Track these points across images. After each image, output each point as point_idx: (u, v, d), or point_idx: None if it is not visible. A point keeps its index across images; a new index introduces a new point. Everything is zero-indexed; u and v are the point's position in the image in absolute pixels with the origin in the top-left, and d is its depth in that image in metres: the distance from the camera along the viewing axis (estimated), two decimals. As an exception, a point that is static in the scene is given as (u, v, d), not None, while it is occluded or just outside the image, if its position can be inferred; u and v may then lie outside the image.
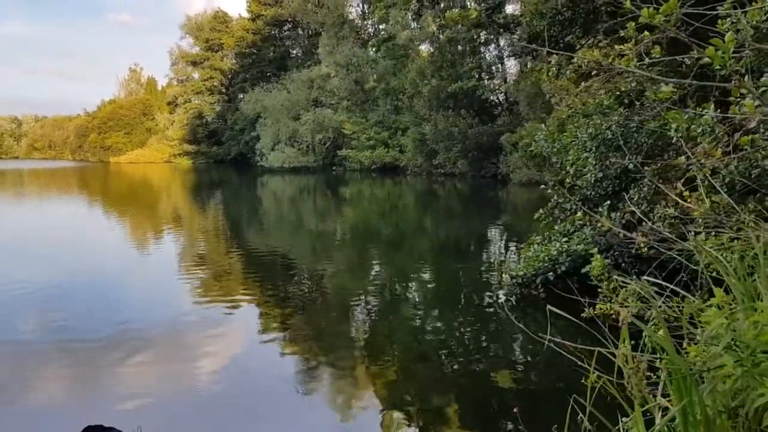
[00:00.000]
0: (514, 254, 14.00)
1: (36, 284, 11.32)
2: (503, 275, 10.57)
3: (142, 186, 46.07)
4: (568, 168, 9.76)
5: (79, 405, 6.26)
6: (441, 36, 43.38)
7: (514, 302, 9.62)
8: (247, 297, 10.58)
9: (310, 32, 73.59)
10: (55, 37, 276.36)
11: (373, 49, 54.20)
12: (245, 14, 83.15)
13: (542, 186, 11.10)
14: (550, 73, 11.77)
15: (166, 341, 8.14)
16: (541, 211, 10.49)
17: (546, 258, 9.17)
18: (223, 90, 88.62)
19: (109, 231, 19.99)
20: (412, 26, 48.00)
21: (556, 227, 9.99)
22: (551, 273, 8.99)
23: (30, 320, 9.09)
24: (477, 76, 42.13)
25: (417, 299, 10.61)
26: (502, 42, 43.13)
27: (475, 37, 42.54)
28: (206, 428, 5.70)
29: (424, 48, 48.50)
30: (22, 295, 10.53)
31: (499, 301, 9.89)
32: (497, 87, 43.92)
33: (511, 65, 44.12)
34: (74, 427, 4.74)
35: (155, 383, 6.72)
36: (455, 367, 7.14)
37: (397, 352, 7.70)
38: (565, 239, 9.40)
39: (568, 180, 9.81)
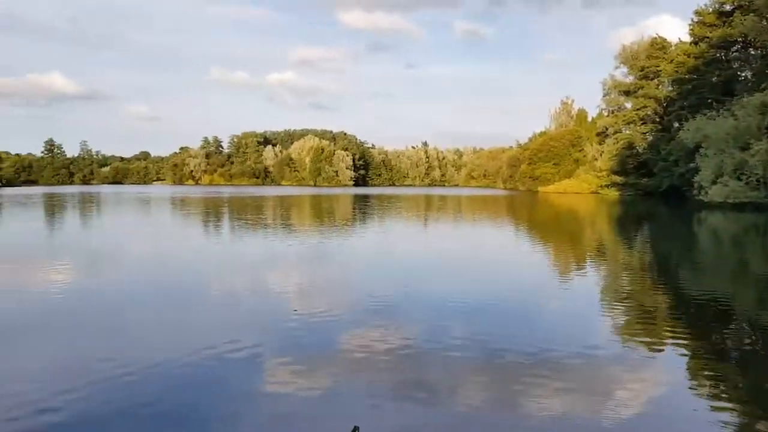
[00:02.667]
0: None
1: (463, 300, 12.35)
2: None
3: (567, 215, 47.04)
4: None
5: (501, 416, 6.44)
6: None
7: None
8: (673, 341, 9.48)
9: (764, 52, 64.60)
10: (492, 76, 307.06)
11: None
12: (686, 38, 77.97)
13: None
14: None
15: (582, 372, 7.83)
16: None
17: None
18: (657, 119, 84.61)
19: (531, 256, 20.78)
20: None
21: None
22: None
23: (458, 332, 9.85)
24: None
25: None
26: None
27: None
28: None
29: None
30: (452, 309, 11.60)
31: None
32: None
33: None
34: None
35: (574, 409, 6.49)
36: None
37: None
38: None
39: None
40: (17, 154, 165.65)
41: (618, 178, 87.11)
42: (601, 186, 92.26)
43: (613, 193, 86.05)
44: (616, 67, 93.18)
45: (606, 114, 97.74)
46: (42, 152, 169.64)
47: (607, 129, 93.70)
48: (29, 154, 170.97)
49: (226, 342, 9.00)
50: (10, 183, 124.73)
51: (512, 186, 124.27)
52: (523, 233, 30.60)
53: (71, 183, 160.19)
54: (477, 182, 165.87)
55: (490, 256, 20.76)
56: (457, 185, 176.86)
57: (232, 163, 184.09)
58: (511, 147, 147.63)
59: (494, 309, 11.64)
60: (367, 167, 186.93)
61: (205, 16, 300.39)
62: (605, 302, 12.74)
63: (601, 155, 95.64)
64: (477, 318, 10.83)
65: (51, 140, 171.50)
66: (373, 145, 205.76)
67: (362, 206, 55.14)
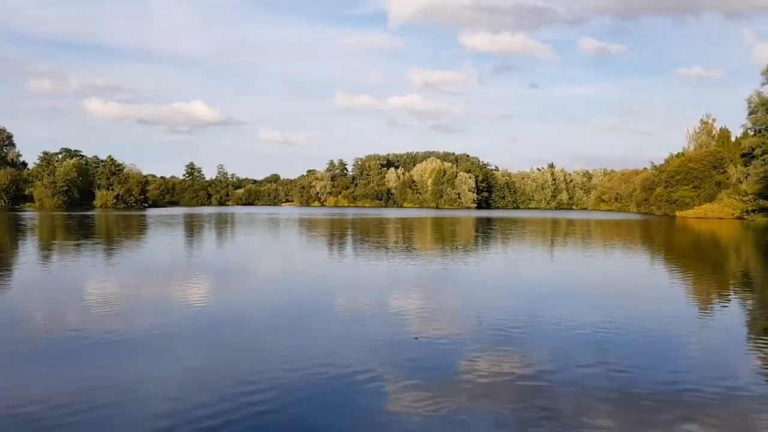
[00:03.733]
0: None
1: (592, 328, 11.90)
2: None
3: (709, 242, 43.82)
4: None
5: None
6: None
7: None
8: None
9: None
10: (623, 95, 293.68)
11: None
12: None
13: None
14: None
15: (721, 413, 7.31)
16: None
17: None
18: (813, 138, 76.96)
19: (668, 285, 19.59)
20: None
21: None
22: None
23: (586, 361, 9.51)
24: None
25: None
26: None
27: None
28: None
29: None
30: (581, 337, 11.21)
31: None
32: None
33: None
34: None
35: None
36: None
37: None
38: None
39: None
40: (162, 177, 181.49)
41: (766, 203, 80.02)
42: (746, 211, 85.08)
43: (761, 219, 79.09)
44: (764, 83, 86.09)
45: (752, 133, 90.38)
46: (184, 175, 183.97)
47: (753, 149, 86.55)
48: (172, 176, 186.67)
49: (348, 362, 9.29)
50: (155, 204, 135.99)
51: (647, 210, 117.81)
52: (660, 261, 28.91)
53: (209, 204, 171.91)
54: (608, 206, 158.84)
55: (623, 284, 19.83)
56: (585, 208, 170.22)
57: (356, 185, 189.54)
58: (645, 169, 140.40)
59: (626, 339, 11.12)
60: (490, 189, 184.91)
61: (333, 44, 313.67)
62: (750, 338, 11.78)
63: (746, 177, 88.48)
64: (607, 348, 10.40)
65: (192, 164, 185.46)
66: (496, 167, 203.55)
67: (485, 229, 54.62)
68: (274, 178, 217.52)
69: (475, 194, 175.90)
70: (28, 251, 28.81)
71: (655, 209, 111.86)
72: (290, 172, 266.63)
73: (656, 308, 14.89)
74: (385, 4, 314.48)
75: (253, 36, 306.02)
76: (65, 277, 19.56)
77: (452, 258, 27.25)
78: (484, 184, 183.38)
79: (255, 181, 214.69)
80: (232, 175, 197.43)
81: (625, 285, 19.60)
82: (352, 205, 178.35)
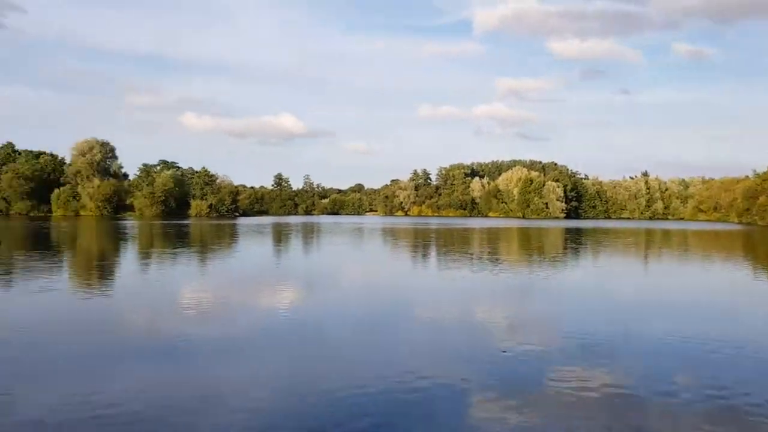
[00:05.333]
0: None
1: (687, 343, 11.31)
2: None
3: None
4: None
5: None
6: None
7: None
8: None
9: None
10: (720, 100, 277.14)
11: None
12: None
13: None
14: None
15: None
16: None
17: None
18: None
19: (774, 301, 18.35)
20: None
21: None
22: None
23: (680, 378, 9.06)
24: None
25: None
26: None
27: None
28: None
29: None
30: (674, 351, 10.67)
31: None
32: None
33: None
34: None
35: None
36: None
37: None
38: None
39: None
40: (252, 187, 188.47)
41: None
42: None
43: None
44: None
45: None
46: (272, 185, 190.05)
47: None
48: (261, 186, 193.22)
49: (434, 372, 9.25)
50: (245, 213, 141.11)
51: (749, 220, 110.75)
52: (762, 275, 27.09)
53: (295, 213, 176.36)
54: (706, 216, 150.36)
55: (722, 299, 18.72)
56: (682, 218, 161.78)
57: (439, 194, 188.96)
58: (747, 177, 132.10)
59: (725, 356, 10.50)
60: (579, 199, 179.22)
61: (418, 54, 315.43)
62: None
63: None
64: (703, 364, 9.88)
65: (279, 175, 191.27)
66: (586, 175, 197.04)
67: (575, 240, 53.03)
68: (359, 188, 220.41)
69: (563, 204, 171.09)
70: (129, 258, 30.54)
71: (758, 219, 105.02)
72: (374, 181, 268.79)
73: (761, 325, 13.96)
74: (469, 13, 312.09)
75: (337, 49, 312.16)
76: (163, 282, 20.60)
77: (541, 270, 26.64)
78: (573, 193, 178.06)
79: (340, 191, 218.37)
80: (318, 185, 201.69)
81: (726, 300, 18.49)
82: (436, 214, 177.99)
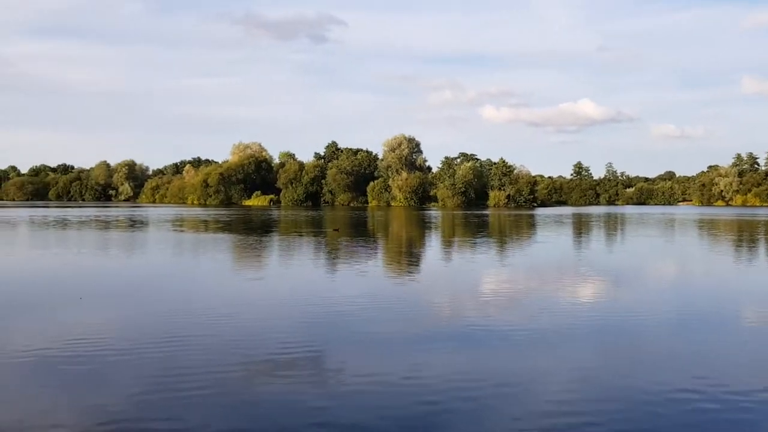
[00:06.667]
0: None
1: None
2: None
3: None
4: None
5: None
6: None
7: None
8: None
9: None
10: None
11: None
12: None
13: None
14: None
15: None
16: None
17: None
18: None
19: None
20: None
21: None
22: None
23: None
24: None
25: None
26: None
27: None
28: None
29: None
30: None
31: None
32: None
33: None
34: None
35: None
36: None
37: None
38: None
39: None
40: (549, 177, 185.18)
41: None
42: None
43: None
44: None
45: None
46: (571, 175, 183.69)
47: None
48: (560, 176, 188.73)
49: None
50: (543, 203, 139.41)
51: None
52: None
53: (597, 203, 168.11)
54: None
55: None
56: None
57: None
58: None
59: None
60: None
61: (734, 26, 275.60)
62: None
63: None
64: None
65: (579, 163, 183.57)
66: None
67: None
68: (669, 176, 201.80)
69: None
70: (433, 246, 32.35)
71: None
72: (687, 168, 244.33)
73: None
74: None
75: (638, 27, 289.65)
76: (465, 270, 21.23)
77: None
78: None
79: (647, 179, 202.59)
80: (622, 173, 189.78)
81: None
82: (766, 204, 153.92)
